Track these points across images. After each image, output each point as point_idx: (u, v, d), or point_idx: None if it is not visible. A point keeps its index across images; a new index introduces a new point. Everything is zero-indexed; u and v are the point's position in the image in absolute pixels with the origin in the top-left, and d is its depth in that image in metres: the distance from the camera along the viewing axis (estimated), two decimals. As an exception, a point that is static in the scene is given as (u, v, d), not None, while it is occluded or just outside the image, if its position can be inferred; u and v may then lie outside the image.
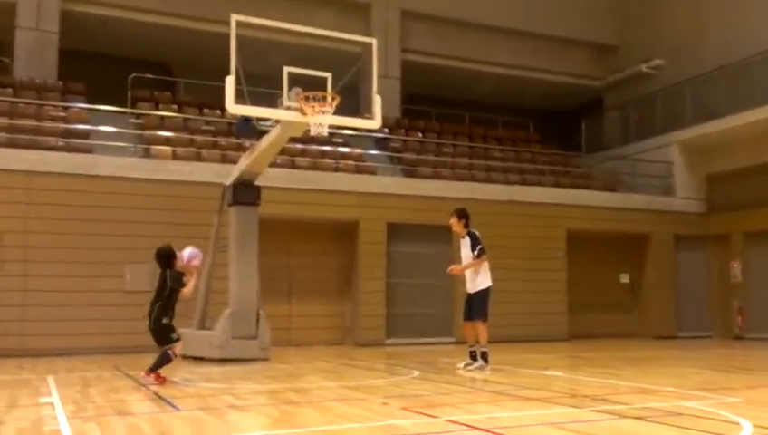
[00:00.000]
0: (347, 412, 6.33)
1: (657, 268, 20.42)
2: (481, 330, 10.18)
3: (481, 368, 10.02)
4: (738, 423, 5.55)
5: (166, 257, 8.82)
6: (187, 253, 8.82)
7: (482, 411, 6.34)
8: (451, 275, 10.92)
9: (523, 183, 19.89)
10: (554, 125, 25.72)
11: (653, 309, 20.26)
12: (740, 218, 19.81)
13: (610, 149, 23.38)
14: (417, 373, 9.81)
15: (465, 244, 10.41)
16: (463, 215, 10.48)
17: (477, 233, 10.46)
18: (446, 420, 5.79)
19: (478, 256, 10.26)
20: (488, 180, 19.55)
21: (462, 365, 10.27)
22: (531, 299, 18.29)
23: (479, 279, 10.30)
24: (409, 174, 19.04)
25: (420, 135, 21.68)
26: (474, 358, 10.22)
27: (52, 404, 6.96)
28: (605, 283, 20.17)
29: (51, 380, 9.26)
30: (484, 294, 10.31)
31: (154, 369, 8.59)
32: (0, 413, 6.38)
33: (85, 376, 9.83)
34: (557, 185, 20.26)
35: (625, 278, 20.59)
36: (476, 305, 10.24)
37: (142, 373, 8.67)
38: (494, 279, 17.73)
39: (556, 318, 18.68)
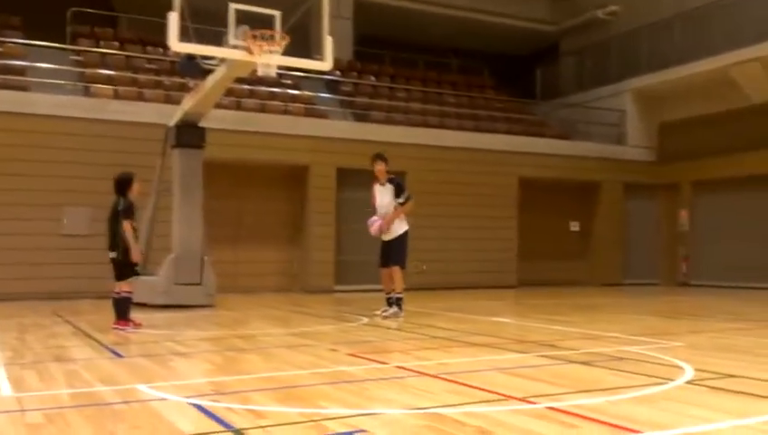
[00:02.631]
0: (294, 359, 6.35)
1: (607, 217, 20.83)
2: (398, 276, 10.19)
3: (396, 314, 10.10)
4: (680, 367, 5.73)
5: (122, 184, 8.71)
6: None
7: (431, 358, 6.43)
8: (380, 234, 10.34)
9: (477, 130, 19.91)
10: (509, 71, 25.72)
11: (602, 257, 20.71)
12: (689, 168, 20.23)
13: (565, 96, 23.52)
14: (365, 320, 9.88)
15: (386, 190, 10.27)
16: (386, 160, 10.40)
17: (400, 180, 10.41)
18: (396, 367, 5.85)
19: (404, 203, 10.16)
20: (442, 126, 19.54)
21: (380, 311, 10.30)
22: (482, 247, 18.54)
23: (396, 225, 10.20)
24: (361, 118, 18.89)
25: (373, 79, 21.46)
26: (390, 304, 10.27)
27: (-13, 351, 6.84)
28: (555, 231, 20.52)
29: (-14, 325, 9.09)
30: (402, 240, 10.25)
31: (124, 316, 8.60)
32: (-69, 360, 6.25)
33: (22, 322, 9.67)
34: (510, 132, 20.33)
35: (575, 226, 20.96)
36: (396, 252, 10.18)
37: (113, 324, 8.63)
38: (445, 226, 17.96)
39: (506, 265, 18.98)
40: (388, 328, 9.01)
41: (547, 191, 20.12)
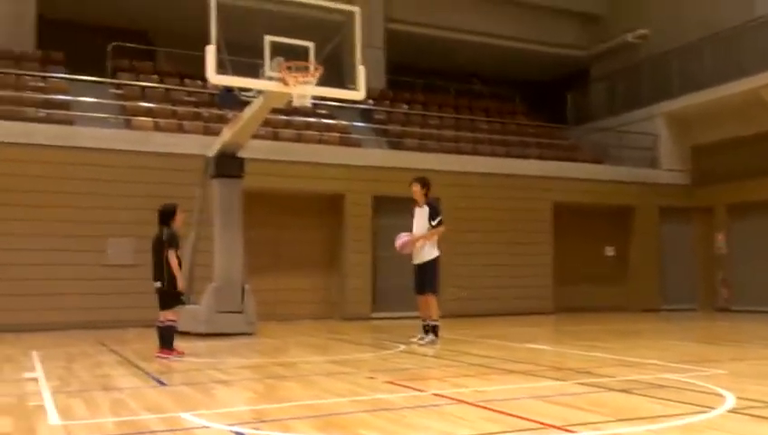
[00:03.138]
0: (333, 386, 6.36)
1: (643, 241, 20.57)
2: (432, 303, 10.14)
3: (432, 342, 10.03)
4: (721, 395, 5.63)
5: (166, 215, 8.86)
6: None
7: (468, 385, 6.39)
8: (408, 251, 10.31)
9: (509, 155, 19.90)
10: (540, 96, 25.70)
11: (638, 282, 20.42)
12: (724, 191, 19.94)
13: (596, 120, 23.42)
14: (402, 347, 9.85)
15: (422, 213, 10.26)
16: (426, 183, 10.41)
17: (436, 203, 10.40)
18: (433, 394, 5.84)
19: (437, 226, 10.14)
20: (474, 152, 19.56)
21: (416, 338, 10.25)
22: (516, 272, 18.41)
23: (427, 250, 10.17)
24: (395, 146, 19.00)
25: (405, 107, 21.60)
26: (426, 331, 10.21)
27: (36, 379, 6.96)
28: (591, 256, 20.30)
29: (35, 354, 9.24)
30: (433, 266, 10.21)
31: (168, 345, 8.69)
32: (-17, 389, 6.39)
33: (69, 351, 9.82)
34: (542, 157, 20.28)
35: (610, 251, 20.74)
36: (426, 278, 10.14)
37: (156, 353, 8.73)
38: (479, 253, 17.87)
39: (542, 291, 18.82)
40: (425, 355, 8.99)
41: (581, 216, 19.96)
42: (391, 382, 6.48)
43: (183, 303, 9.18)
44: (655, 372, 7.06)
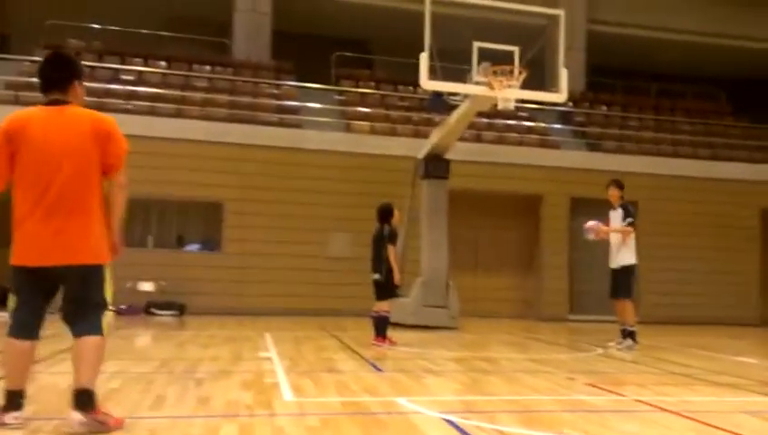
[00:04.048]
0: (534, 384, 6.32)
1: None
2: (628, 309, 9.70)
3: (630, 347, 9.58)
4: None
5: (385, 213, 9.12)
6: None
7: (672, 394, 6.08)
8: (593, 236, 9.91)
9: (714, 158, 18.56)
10: (749, 96, 23.64)
11: None
12: None
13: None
14: (600, 351, 9.52)
15: (617, 215, 9.87)
16: (622, 186, 10.03)
17: (631, 206, 9.94)
18: (635, 400, 5.62)
19: (628, 226, 9.70)
20: (675, 155, 18.46)
21: (614, 342, 9.85)
22: (718, 280, 17.17)
23: (623, 254, 9.74)
24: (593, 148, 18.39)
25: (605, 108, 20.81)
26: (624, 336, 9.78)
27: (270, 359, 7.47)
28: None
29: (268, 336, 9.89)
30: (628, 271, 9.76)
31: (382, 334, 8.96)
32: (227, 365, 6.99)
33: (297, 335, 10.43)
34: (751, 160, 18.68)
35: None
36: (621, 283, 9.73)
37: (373, 340, 9.01)
38: (678, 258, 16.79)
39: (745, 301, 17.39)
40: (623, 360, 8.66)
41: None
42: (591, 385, 6.32)
43: (398, 296, 9.34)
44: None
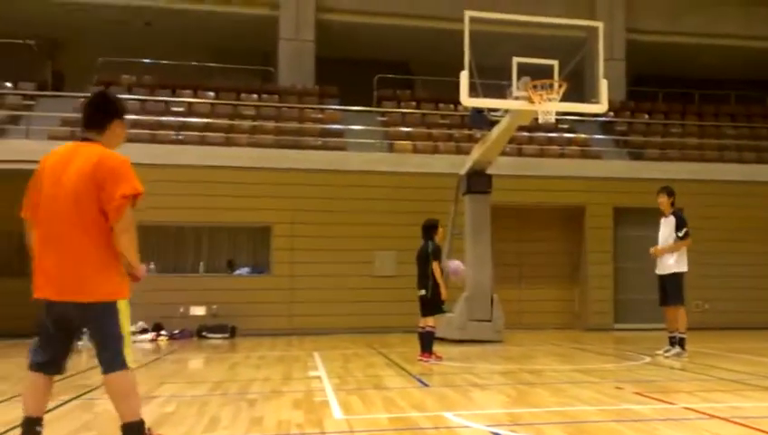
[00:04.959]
0: (581, 395, 6.25)
1: None
2: (680, 315, 9.50)
3: (678, 355, 9.38)
4: None
5: (429, 229, 9.15)
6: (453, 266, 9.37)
7: (721, 400, 5.95)
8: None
9: (760, 162, 18.06)
10: (793, 97, 23.01)
11: None
12: None
13: None
14: (647, 359, 9.36)
15: (668, 223, 9.70)
16: (672, 193, 9.86)
17: (683, 214, 9.71)
18: (684, 408, 5.52)
19: (683, 238, 9.53)
20: (720, 160, 18.04)
21: (662, 350, 9.65)
22: (766, 285, 16.61)
23: (672, 260, 9.55)
24: (636, 157, 18.10)
25: (646, 117, 20.47)
26: (672, 344, 9.57)
27: (319, 377, 7.54)
28: None
29: (316, 356, 9.97)
30: (677, 278, 9.56)
31: (427, 349, 8.94)
32: (278, 385, 7.08)
33: (344, 353, 10.50)
34: (799, 162, 18.14)
35: None
36: (671, 290, 9.53)
37: (419, 356, 8.99)
38: (725, 264, 16.29)
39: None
40: (672, 368, 8.48)
41: None
42: (639, 393, 6.22)
43: (443, 311, 9.30)
44: None
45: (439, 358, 9.00)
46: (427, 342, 9.00)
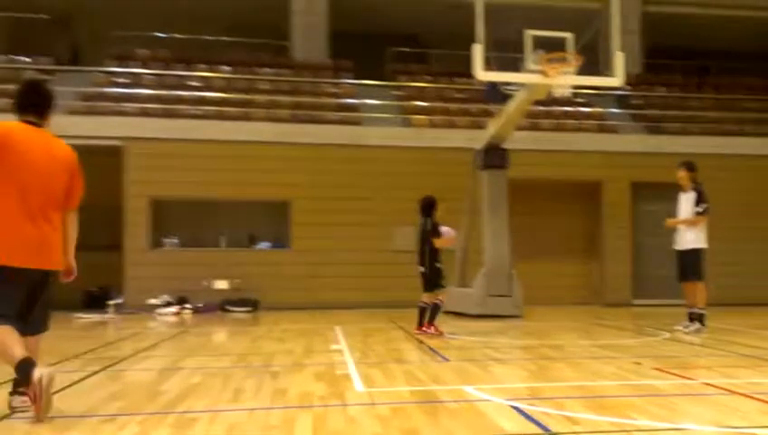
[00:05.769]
0: (601, 370, 6.24)
1: None
2: (699, 291, 9.42)
3: (698, 330, 9.31)
4: None
5: (428, 206, 9.13)
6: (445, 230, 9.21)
7: (740, 376, 5.93)
8: (668, 228, 9.86)
9: (778, 135, 17.85)
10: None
11: None
12: None
13: None
14: (667, 335, 9.31)
15: (689, 198, 9.55)
16: (692, 168, 9.69)
17: (704, 189, 9.58)
18: (703, 383, 5.50)
19: (702, 214, 9.41)
20: (740, 133, 17.81)
21: (681, 326, 9.58)
22: (788, 260, 16.49)
23: (691, 236, 9.44)
24: (653, 131, 17.91)
25: (663, 90, 20.22)
26: (692, 319, 9.50)
27: (341, 351, 7.59)
28: None
29: (338, 329, 10.03)
30: (697, 254, 9.45)
31: (431, 321, 8.99)
32: (301, 357, 7.13)
33: (365, 327, 10.56)
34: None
35: None
36: (690, 265, 9.43)
37: (415, 330, 9.06)
38: (746, 238, 16.07)
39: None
40: (691, 344, 8.44)
41: None
42: (659, 369, 6.21)
43: (443, 286, 9.20)
44: None
45: (439, 333, 8.93)
46: (432, 315, 9.02)
